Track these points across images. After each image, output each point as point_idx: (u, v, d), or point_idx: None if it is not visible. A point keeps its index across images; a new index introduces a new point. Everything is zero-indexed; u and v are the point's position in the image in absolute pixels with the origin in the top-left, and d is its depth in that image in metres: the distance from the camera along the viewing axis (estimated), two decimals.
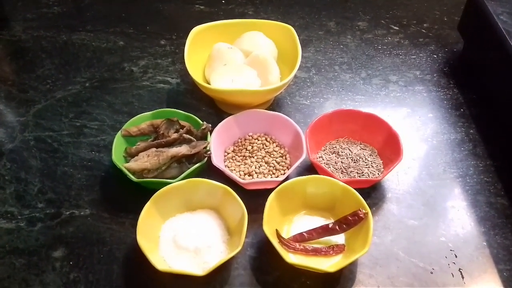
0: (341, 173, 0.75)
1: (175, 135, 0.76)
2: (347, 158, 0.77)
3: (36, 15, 1.09)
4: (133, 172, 0.72)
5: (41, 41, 1.02)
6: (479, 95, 0.91)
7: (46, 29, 1.05)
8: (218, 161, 0.74)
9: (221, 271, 0.65)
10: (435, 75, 0.96)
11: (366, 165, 0.76)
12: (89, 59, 0.98)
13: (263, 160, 0.77)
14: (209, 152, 0.73)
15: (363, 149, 0.79)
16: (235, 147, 0.79)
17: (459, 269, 0.67)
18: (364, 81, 0.94)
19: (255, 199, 0.71)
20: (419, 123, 0.86)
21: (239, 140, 0.80)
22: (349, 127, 0.80)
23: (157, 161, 0.72)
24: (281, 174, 0.75)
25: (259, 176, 0.75)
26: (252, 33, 0.89)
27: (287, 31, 0.89)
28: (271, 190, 0.68)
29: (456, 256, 0.68)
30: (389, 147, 0.76)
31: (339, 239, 0.68)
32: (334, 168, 0.76)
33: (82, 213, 0.73)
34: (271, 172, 0.76)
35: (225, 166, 0.77)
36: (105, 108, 0.88)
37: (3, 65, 0.99)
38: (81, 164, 0.79)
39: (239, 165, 0.76)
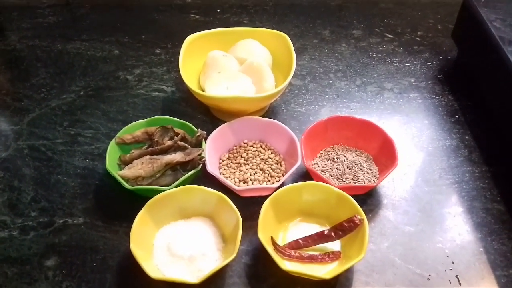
0: (337, 180, 0.75)
1: (169, 143, 0.76)
2: (342, 164, 0.77)
3: (31, 25, 1.10)
4: (127, 180, 0.71)
5: (36, 50, 1.02)
6: (474, 101, 0.91)
7: (41, 38, 1.06)
8: (212, 168, 0.73)
9: (216, 279, 0.64)
10: (429, 82, 0.96)
11: (362, 171, 0.76)
12: (84, 68, 0.99)
13: (258, 167, 0.76)
14: (203, 159, 0.73)
15: (358, 155, 0.79)
16: (230, 154, 0.79)
17: (456, 275, 0.66)
18: (359, 88, 0.94)
19: (250, 206, 0.70)
20: (414, 130, 0.86)
21: (234, 147, 0.80)
22: (344, 134, 0.80)
23: (151, 169, 0.72)
24: (276, 181, 0.75)
25: (254, 183, 0.74)
26: (247, 41, 0.90)
27: (282, 39, 0.89)
28: (266, 197, 0.68)
29: (453, 263, 0.67)
30: (384, 154, 0.76)
31: (334, 246, 0.68)
32: (330, 174, 0.76)
33: (75, 221, 0.72)
34: (266, 179, 0.75)
35: (220, 173, 0.76)
36: (100, 116, 0.88)
37: None
38: (75, 173, 0.78)
39: (234, 172, 0.76)
